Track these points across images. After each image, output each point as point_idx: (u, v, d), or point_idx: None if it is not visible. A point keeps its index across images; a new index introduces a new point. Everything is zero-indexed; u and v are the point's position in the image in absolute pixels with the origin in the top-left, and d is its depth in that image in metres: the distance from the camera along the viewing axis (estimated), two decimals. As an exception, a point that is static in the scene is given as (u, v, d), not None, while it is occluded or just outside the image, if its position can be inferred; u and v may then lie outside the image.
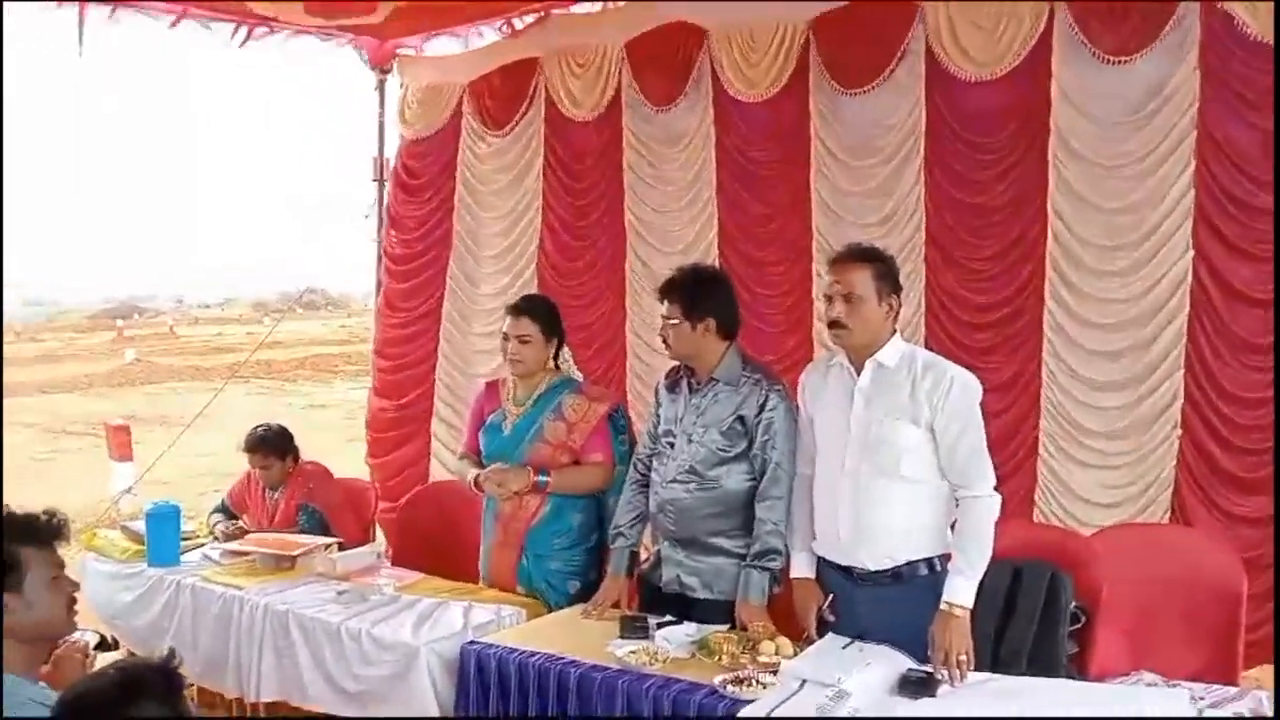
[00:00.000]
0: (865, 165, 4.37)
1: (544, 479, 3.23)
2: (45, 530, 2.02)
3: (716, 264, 4.43)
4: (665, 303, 2.98)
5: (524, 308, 3.36)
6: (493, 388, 3.49)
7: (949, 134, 4.16)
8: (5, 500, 2.05)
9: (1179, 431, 3.77)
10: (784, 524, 2.83)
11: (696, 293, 2.96)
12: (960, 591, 2.48)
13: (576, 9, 5.19)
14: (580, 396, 3.32)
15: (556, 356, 3.38)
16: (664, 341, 3.02)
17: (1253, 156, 3.57)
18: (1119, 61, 3.77)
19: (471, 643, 2.85)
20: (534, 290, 4.97)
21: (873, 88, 4.27)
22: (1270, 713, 2.29)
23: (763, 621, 2.78)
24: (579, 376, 3.45)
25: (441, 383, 5.66)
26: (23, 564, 1.97)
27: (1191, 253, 3.71)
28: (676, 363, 3.08)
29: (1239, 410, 3.63)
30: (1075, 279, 3.95)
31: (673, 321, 2.95)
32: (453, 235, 5.61)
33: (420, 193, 5.72)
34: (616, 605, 3.04)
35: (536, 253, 5.30)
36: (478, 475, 3.30)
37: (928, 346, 3.75)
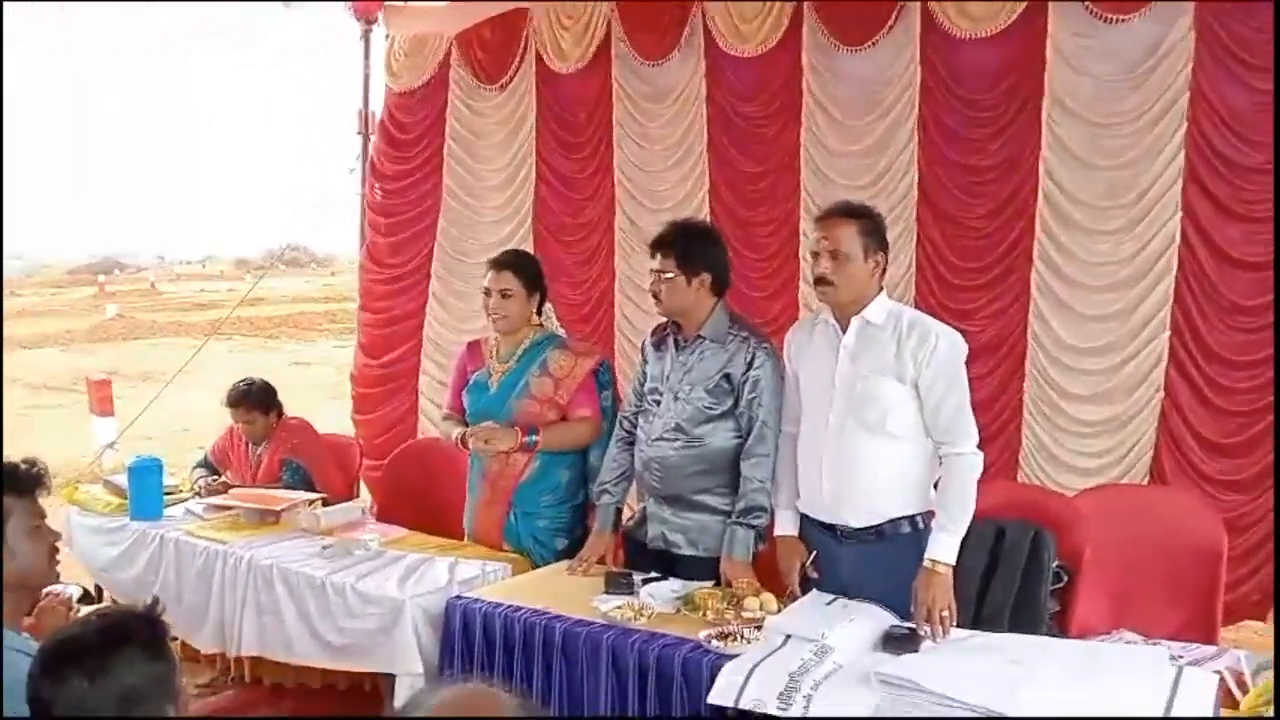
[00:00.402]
0: (860, 123, 4.33)
1: (532, 438, 3.21)
2: (25, 479, 2.00)
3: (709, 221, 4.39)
4: (658, 256, 2.93)
5: (505, 262, 3.33)
6: (474, 347, 3.46)
7: (944, 91, 4.12)
8: None
9: (1161, 394, 3.79)
10: (769, 481, 2.83)
11: (690, 247, 2.92)
12: (943, 548, 2.49)
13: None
14: (565, 352, 3.30)
15: (539, 312, 3.36)
16: (654, 296, 2.97)
17: (1245, 116, 3.57)
18: (1116, 20, 3.74)
19: (457, 597, 2.85)
20: (530, 246, 4.92)
21: (868, 45, 4.23)
22: (1246, 670, 2.32)
23: (747, 578, 2.78)
24: (561, 332, 3.43)
25: (429, 340, 5.60)
26: (3, 513, 1.95)
27: (1180, 213, 3.70)
28: (663, 320, 3.05)
29: (1224, 371, 3.65)
30: (1065, 239, 3.94)
31: (667, 275, 2.91)
32: (442, 189, 5.54)
33: (408, 147, 5.62)
34: (602, 561, 3.05)
35: (532, 208, 5.24)
36: (463, 433, 3.28)
37: (917, 306, 3.74)
